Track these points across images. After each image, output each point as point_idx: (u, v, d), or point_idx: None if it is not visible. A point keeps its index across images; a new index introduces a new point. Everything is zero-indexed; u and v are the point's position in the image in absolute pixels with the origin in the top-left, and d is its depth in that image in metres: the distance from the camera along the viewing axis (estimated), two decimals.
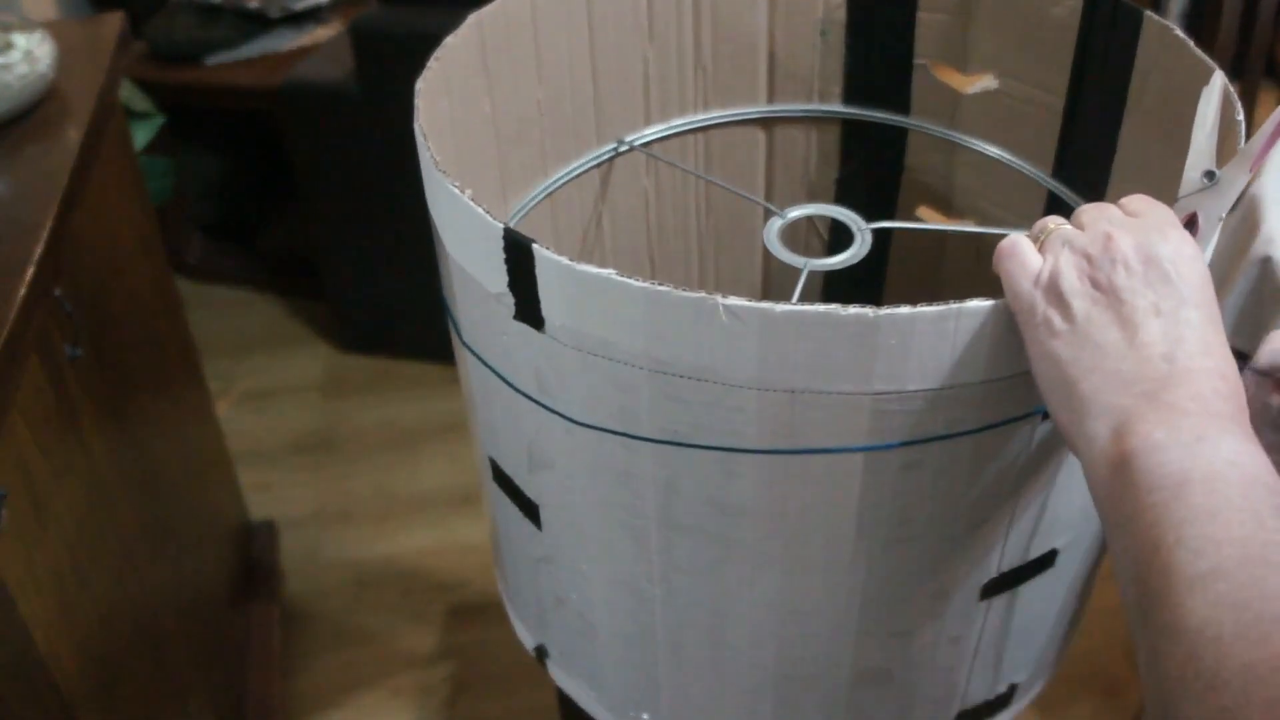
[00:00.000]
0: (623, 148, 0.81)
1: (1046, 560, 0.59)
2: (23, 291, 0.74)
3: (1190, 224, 0.48)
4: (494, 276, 0.51)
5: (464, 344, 0.61)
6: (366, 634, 1.52)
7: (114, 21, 1.13)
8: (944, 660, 0.61)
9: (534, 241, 0.47)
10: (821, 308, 0.43)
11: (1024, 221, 0.51)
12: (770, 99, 0.85)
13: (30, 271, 0.76)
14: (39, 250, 0.78)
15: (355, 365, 2.02)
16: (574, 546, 0.61)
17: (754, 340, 0.45)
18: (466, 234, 0.53)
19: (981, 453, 0.50)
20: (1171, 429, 0.39)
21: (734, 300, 0.44)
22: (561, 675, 0.73)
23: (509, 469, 0.63)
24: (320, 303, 2.11)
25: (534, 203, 0.77)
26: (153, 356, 1.15)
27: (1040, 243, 0.46)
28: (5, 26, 0.98)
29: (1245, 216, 1.04)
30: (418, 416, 1.89)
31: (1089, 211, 0.46)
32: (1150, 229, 0.44)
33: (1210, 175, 0.47)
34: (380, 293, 1.93)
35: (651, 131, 0.82)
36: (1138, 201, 0.46)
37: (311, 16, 2.03)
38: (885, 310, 0.43)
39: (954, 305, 0.44)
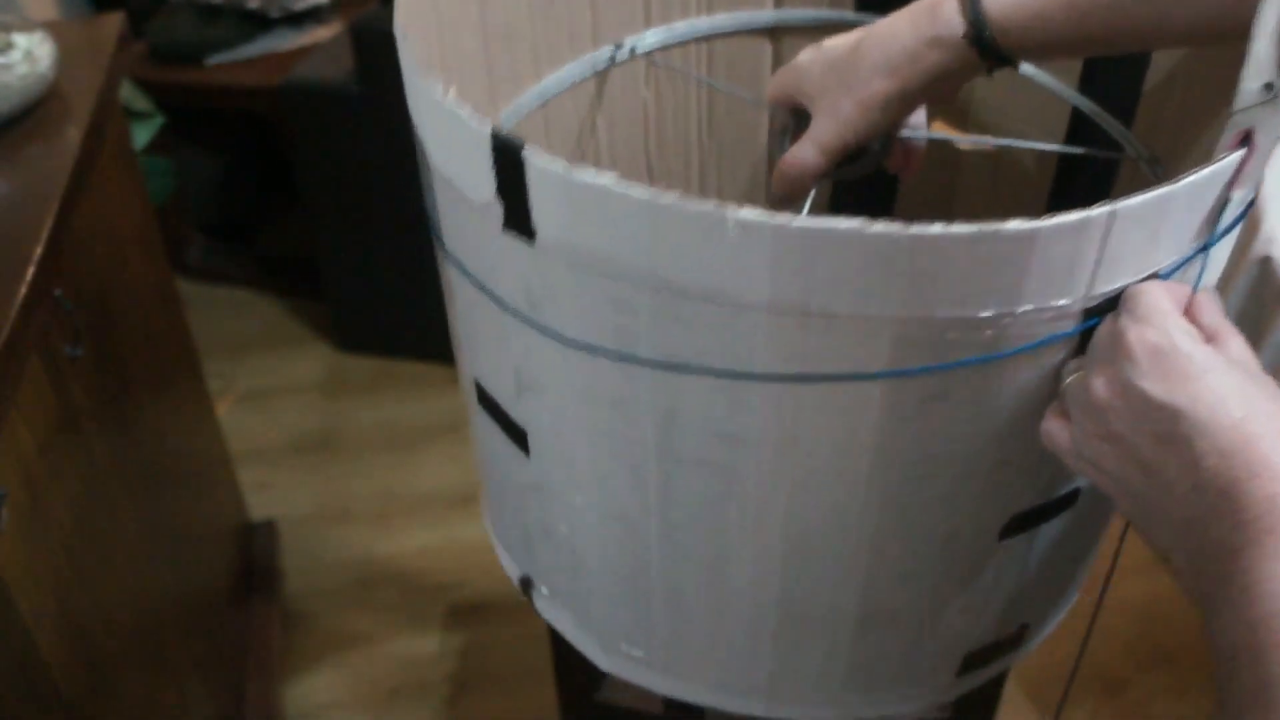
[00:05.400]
0: (621, 53, 0.76)
1: (1069, 499, 0.56)
2: (23, 291, 0.74)
3: (1245, 142, 0.44)
4: (480, 184, 0.47)
5: (447, 256, 0.56)
6: (366, 634, 1.52)
7: (114, 21, 1.13)
8: (954, 602, 0.58)
9: (525, 145, 0.43)
10: (845, 225, 0.39)
11: (1046, 138, 0.48)
12: (778, 3, 0.80)
13: (30, 271, 0.76)
14: (39, 250, 0.78)
15: (355, 365, 2.02)
16: (564, 476, 0.57)
17: (767, 258, 0.41)
18: (450, 138, 0.48)
19: (1010, 380, 0.46)
20: (1248, 577, 0.38)
21: (746, 213, 0.40)
22: (547, 609, 0.70)
23: (495, 392, 0.59)
24: (320, 303, 2.11)
25: (525, 111, 0.72)
26: (153, 356, 1.15)
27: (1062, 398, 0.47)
28: (5, 26, 0.98)
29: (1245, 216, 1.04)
30: (418, 416, 1.89)
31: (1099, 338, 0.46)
32: (1117, 352, 0.43)
33: (1270, 88, 0.42)
34: (380, 293, 1.93)
35: (651, 36, 0.77)
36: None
37: (311, 16, 2.03)
38: (915, 230, 0.39)
39: (992, 226, 0.39)
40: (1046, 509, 0.55)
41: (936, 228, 0.39)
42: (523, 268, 0.48)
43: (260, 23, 1.98)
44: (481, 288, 0.53)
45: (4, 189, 0.87)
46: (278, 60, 1.94)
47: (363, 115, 1.69)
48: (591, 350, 0.48)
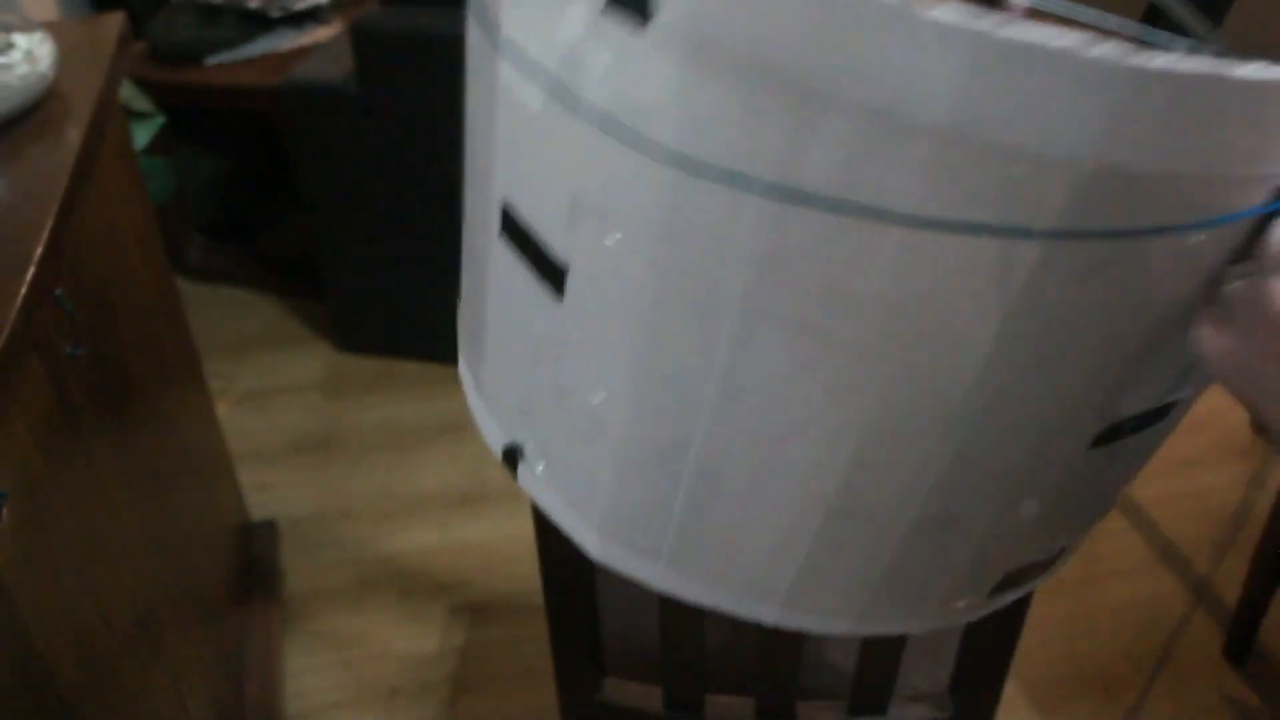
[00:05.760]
0: None
1: (1162, 412, 0.50)
2: (23, 291, 0.74)
3: None
4: None
5: (501, 48, 0.48)
6: (367, 634, 1.52)
7: (114, 21, 1.13)
8: (1020, 513, 0.53)
9: None
10: (1058, 41, 0.33)
11: (1116, 25, 0.45)
12: None
13: (30, 271, 0.76)
14: (39, 250, 0.78)
15: (355, 365, 2.02)
16: (607, 324, 0.49)
17: (958, 71, 0.34)
18: None
19: (1180, 259, 0.40)
20: None
21: (943, 13, 0.33)
22: (533, 484, 0.60)
23: (533, 220, 0.50)
24: (320, 303, 2.11)
25: None
26: (153, 356, 1.15)
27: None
28: (5, 26, 0.98)
29: None
30: (418, 416, 1.89)
31: None
32: None
33: None
34: (380, 293, 1.93)
35: None
36: None
37: (311, 16, 2.03)
38: (1137, 59, 0.33)
39: (1221, 67, 0.34)
40: (1144, 419, 0.49)
41: (1161, 60, 0.33)
42: (623, 59, 0.40)
43: (260, 23, 1.98)
44: (552, 84, 0.44)
45: (4, 189, 0.87)
46: (278, 60, 1.94)
47: (363, 115, 1.69)
48: (695, 168, 0.40)
